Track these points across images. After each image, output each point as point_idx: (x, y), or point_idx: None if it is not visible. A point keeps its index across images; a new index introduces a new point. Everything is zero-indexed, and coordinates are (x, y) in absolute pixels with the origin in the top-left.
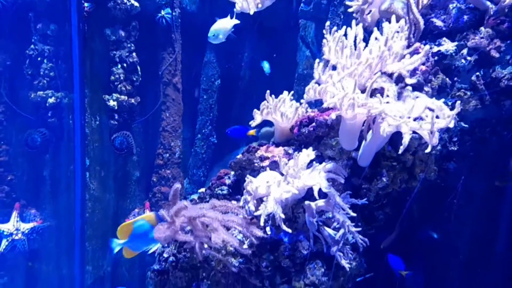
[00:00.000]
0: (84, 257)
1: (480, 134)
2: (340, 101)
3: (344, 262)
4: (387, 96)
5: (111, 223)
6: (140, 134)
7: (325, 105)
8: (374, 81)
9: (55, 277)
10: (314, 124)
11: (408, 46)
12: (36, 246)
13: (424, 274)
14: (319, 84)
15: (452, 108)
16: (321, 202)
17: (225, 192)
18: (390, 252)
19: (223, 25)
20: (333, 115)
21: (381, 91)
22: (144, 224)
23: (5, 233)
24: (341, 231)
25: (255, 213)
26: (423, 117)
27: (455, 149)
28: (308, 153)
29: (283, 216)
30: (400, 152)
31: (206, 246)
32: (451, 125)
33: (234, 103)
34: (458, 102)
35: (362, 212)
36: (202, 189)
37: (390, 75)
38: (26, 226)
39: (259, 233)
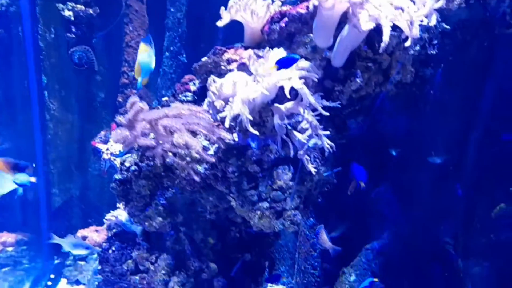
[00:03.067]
0: (49, 179)
1: (461, 37)
2: None
3: (311, 166)
4: None
5: (76, 146)
6: (103, 51)
7: None
8: None
9: (18, 202)
10: (286, 19)
11: None
12: None
13: (395, 183)
14: None
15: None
16: (290, 104)
17: (189, 99)
18: (355, 162)
19: None
20: (311, 4)
21: None
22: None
23: None
24: (308, 131)
25: (220, 115)
26: (404, 8)
27: (434, 52)
28: (280, 51)
29: (250, 117)
30: (381, 50)
31: (170, 154)
32: (433, 22)
33: (206, 16)
34: None
35: (333, 120)
36: (165, 98)
37: None
38: None
39: (226, 135)
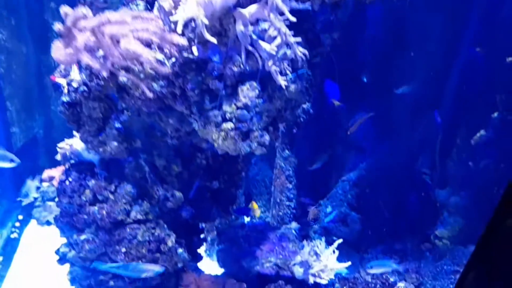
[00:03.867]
0: (7, 117)
1: None
2: None
3: (281, 79)
4: None
5: (35, 81)
6: None
7: None
8: None
9: None
10: None
11: None
12: None
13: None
14: None
15: None
16: (254, 7)
17: (141, 8)
18: (328, 79)
19: None
20: None
21: None
22: None
23: None
24: (278, 39)
25: (171, 18)
26: None
27: None
28: None
29: (206, 21)
30: None
31: (123, 72)
32: None
33: None
34: None
35: (307, 35)
36: None
37: None
38: None
39: (180, 40)
